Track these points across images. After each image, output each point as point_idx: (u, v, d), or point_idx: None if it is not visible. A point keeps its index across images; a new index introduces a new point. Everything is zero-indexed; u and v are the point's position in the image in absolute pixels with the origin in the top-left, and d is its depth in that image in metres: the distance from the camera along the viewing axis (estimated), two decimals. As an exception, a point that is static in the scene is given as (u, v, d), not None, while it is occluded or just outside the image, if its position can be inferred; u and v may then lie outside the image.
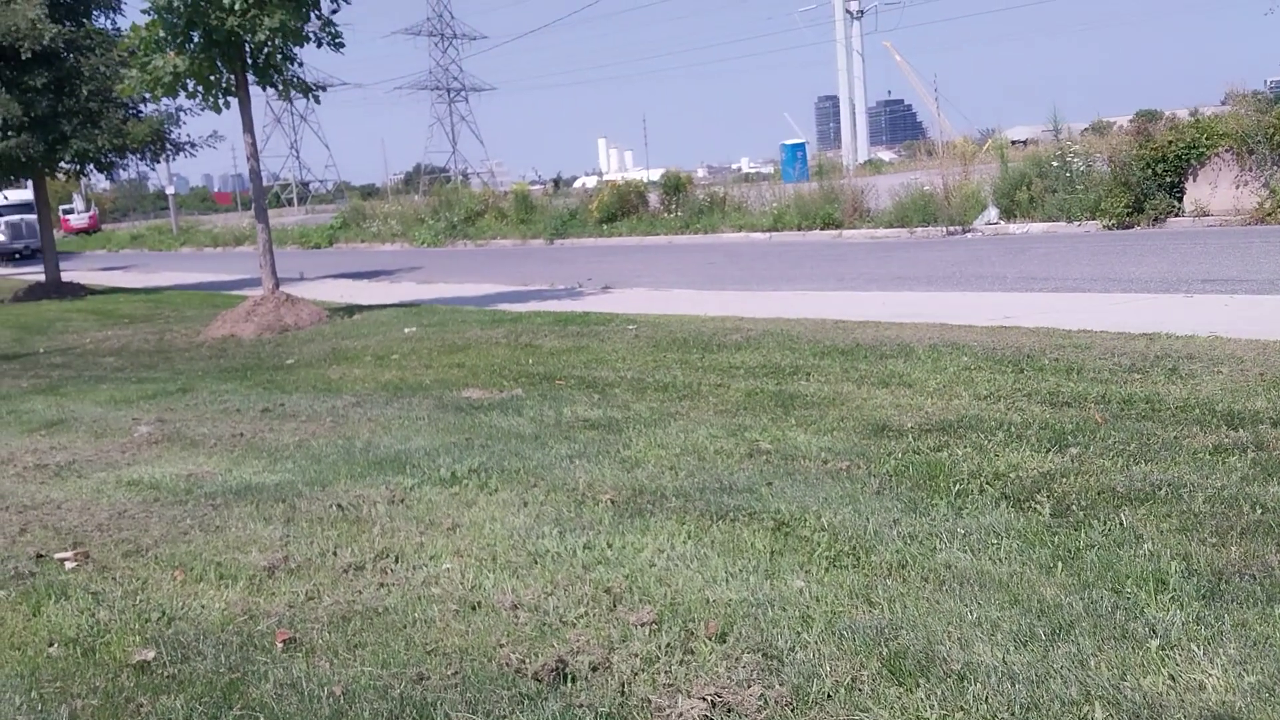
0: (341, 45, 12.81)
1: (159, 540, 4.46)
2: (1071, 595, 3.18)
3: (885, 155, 68.83)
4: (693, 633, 3.16)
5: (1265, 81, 28.64)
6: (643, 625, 3.22)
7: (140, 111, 20.64)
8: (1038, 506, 3.97)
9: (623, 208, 26.49)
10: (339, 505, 4.72)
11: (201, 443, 6.29)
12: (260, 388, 8.11)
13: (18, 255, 44.50)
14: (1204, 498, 3.90)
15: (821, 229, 20.76)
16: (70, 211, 74.04)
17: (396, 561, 3.97)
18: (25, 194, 36.88)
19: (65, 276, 23.02)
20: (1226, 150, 15.58)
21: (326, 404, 7.16)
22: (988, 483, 4.28)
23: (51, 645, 3.49)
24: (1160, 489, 4.03)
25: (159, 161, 22.26)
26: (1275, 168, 15.10)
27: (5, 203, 38.58)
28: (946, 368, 6.52)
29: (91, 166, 21.13)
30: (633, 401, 6.41)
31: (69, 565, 4.24)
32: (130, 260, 38.84)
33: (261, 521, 4.59)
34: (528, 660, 3.07)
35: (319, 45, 12.31)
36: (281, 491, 5.02)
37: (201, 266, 29.75)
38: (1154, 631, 2.92)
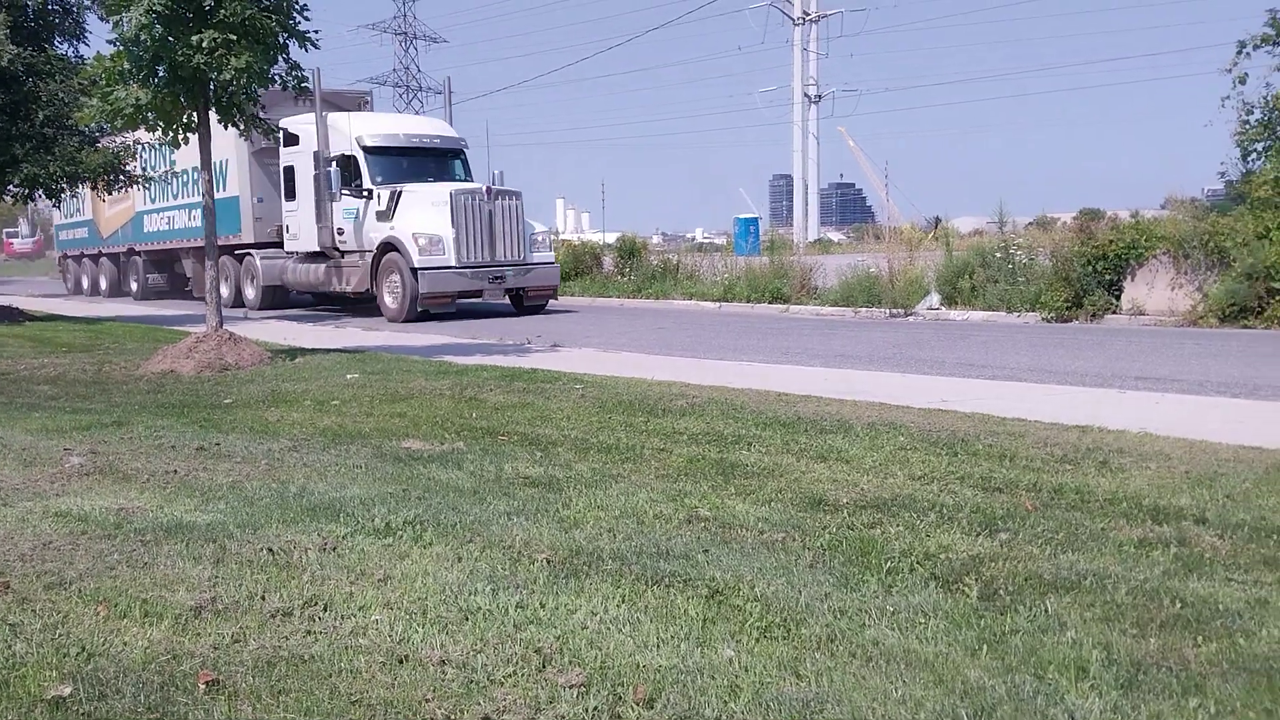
0: (306, 90, 12.91)
1: (84, 574, 4.36)
2: (995, 678, 3.24)
3: (834, 235, 70.22)
4: (621, 697, 3.16)
5: (1203, 190, 29.73)
6: (571, 687, 3.22)
7: (97, 141, 20.47)
8: (966, 589, 4.04)
9: (577, 268, 26.65)
10: (270, 549, 4.66)
11: (134, 477, 6.18)
12: (197, 426, 7.99)
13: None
14: (1127, 589, 4.00)
15: (770, 302, 21.06)
16: (15, 235, 72.54)
17: (325, 609, 3.93)
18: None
19: (3, 300, 22.58)
20: (1164, 253, 16.12)
21: (263, 446, 7.07)
22: (918, 562, 4.35)
23: (-38, 677, 3.39)
24: (1085, 578, 4.12)
25: (111, 192, 21.98)
26: (1208, 273, 15.63)
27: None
28: (883, 446, 6.62)
29: (40, 192, 20.85)
30: (575, 461, 6.42)
31: (-14, 595, 4.13)
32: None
33: (191, 561, 4.52)
34: (453, 716, 3.05)
35: (284, 88, 12.35)
36: (212, 532, 4.95)
37: (146, 299, 29.29)
38: (1073, 718, 2.98)
